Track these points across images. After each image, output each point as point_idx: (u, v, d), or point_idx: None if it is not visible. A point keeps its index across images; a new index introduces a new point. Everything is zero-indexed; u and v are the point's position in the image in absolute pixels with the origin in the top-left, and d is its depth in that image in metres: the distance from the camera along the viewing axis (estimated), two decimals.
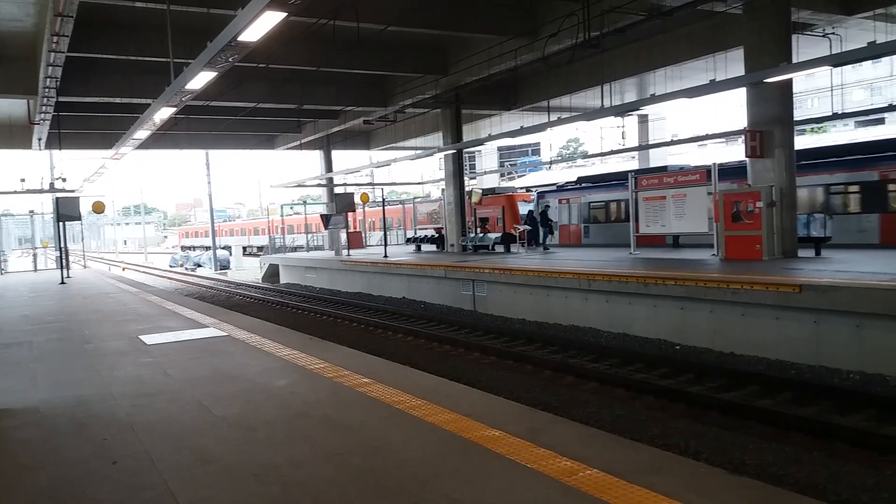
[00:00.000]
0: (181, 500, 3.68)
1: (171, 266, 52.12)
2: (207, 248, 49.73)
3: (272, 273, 33.97)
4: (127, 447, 4.62)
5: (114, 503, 3.71)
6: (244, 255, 52.29)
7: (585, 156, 46.37)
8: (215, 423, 5.12)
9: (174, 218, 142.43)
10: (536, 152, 71.99)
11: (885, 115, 35.76)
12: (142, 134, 18.41)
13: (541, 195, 29.45)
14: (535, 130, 20.79)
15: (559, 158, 57.22)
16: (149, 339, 9.32)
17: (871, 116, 35.11)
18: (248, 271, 41.57)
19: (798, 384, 9.06)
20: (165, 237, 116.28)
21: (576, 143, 77.98)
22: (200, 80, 12.03)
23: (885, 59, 36.56)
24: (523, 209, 29.80)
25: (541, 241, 24.15)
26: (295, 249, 40.95)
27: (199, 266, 49.02)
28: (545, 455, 4.04)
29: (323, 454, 4.29)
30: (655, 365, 10.77)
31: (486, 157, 58.90)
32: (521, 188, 37.79)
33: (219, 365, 7.28)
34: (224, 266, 45.38)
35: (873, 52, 12.66)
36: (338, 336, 14.70)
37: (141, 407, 5.68)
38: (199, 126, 28.93)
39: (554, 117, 23.08)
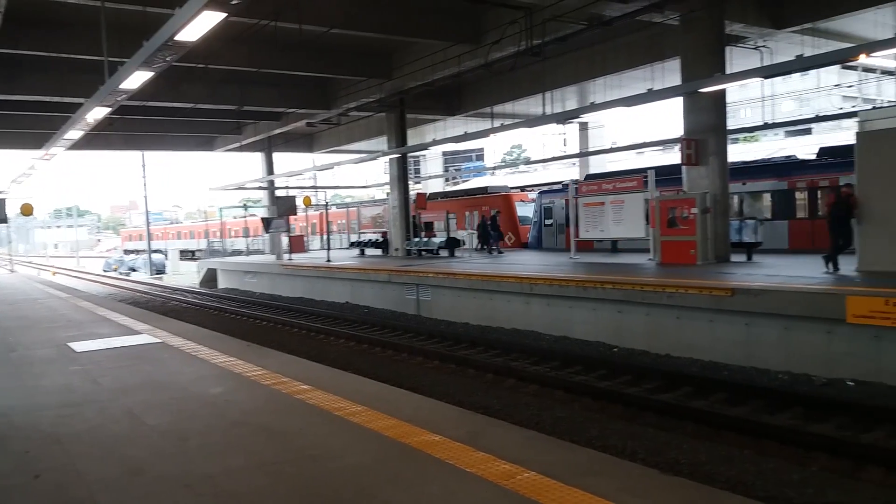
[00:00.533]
0: None
1: (104, 270, 50.33)
2: (156, 252, 48.16)
3: (210, 278, 33.18)
4: (51, 460, 4.43)
5: None
6: (181, 258, 50.90)
7: (528, 162, 47.00)
8: (147, 432, 4.96)
9: (108, 221, 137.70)
10: (481, 157, 72.60)
11: (812, 125, 37.36)
12: (74, 134, 17.77)
13: (543, 194, 27.54)
14: (478, 136, 20.96)
15: (503, 164, 57.75)
16: (78, 346, 8.97)
17: (799, 127, 36.63)
18: (186, 276, 40.51)
19: (730, 385, 9.36)
20: (99, 240, 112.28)
21: (519, 149, 78.94)
22: (136, 79, 11.69)
23: (813, 72, 38.20)
24: (522, 210, 29.17)
25: (491, 245, 24.35)
26: (234, 253, 40.13)
27: (134, 270, 47.53)
28: (484, 459, 4.06)
29: (258, 463, 4.20)
30: (594, 367, 10.96)
31: (431, 162, 59.09)
32: (515, 187, 35.79)
33: (152, 373, 7.05)
34: (160, 270, 44.11)
35: (801, 64, 13.23)
36: (277, 342, 14.45)
37: (67, 417, 5.45)
38: (135, 126, 28.11)
39: (497, 123, 23.35)
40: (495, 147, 71.98)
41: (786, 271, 12.50)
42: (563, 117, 20.28)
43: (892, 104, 21.88)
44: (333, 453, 4.31)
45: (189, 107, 23.36)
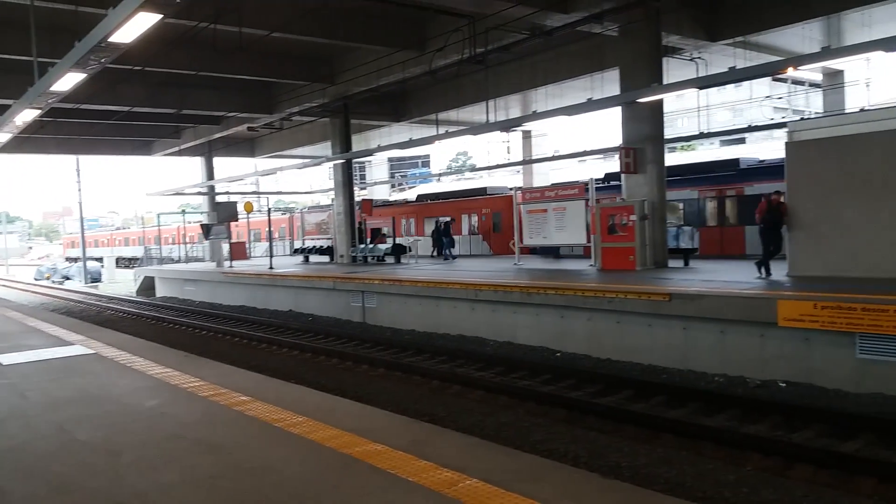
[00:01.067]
0: None
1: (36, 279, 48.30)
2: (99, 260, 46.28)
3: (148, 286, 32.22)
4: None
5: None
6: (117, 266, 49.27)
7: (474, 169, 47.34)
8: (77, 448, 4.76)
9: (40, 227, 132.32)
10: (426, 164, 72.73)
11: (746, 135, 38.73)
12: (1, 137, 17.01)
13: None
14: (423, 143, 21.00)
15: (449, 171, 58.05)
16: (5, 358, 8.56)
17: (733, 136, 37.93)
18: (122, 284, 39.24)
19: (669, 388, 9.59)
20: (30, 248, 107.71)
21: (465, 156, 79.42)
22: (68, 81, 11.28)
23: (746, 84, 39.62)
24: None
25: (443, 251, 24.45)
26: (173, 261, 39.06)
27: (68, 279, 45.78)
28: (427, 467, 4.04)
29: (194, 478, 4.07)
30: (538, 372, 11.07)
31: (377, 168, 58.87)
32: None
33: (84, 386, 6.78)
34: (95, 279, 42.60)
35: (733, 76, 13.73)
36: (217, 352, 14.11)
37: None
38: (68, 130, 27.14)
39: (442, 130, 23.43)
40: (441, 154, 72.21)
41: (721, 276, 12.90)
42: (507, 125, 20.52)
43: (820, 116, 22.88)
44: (272, 466, 4.22)
45: (126, 110, 22.68)
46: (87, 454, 4.63)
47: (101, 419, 5.49)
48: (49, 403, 6.09)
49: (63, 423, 5.43)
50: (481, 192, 28.89)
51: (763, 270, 12.29)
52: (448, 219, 25.95)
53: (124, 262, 53.97)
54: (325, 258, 27.08)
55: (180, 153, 32.30)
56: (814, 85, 31.06)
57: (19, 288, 39.79)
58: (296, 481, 3.95)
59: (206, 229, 27.58)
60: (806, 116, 31.37)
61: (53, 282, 45.30)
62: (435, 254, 25.63)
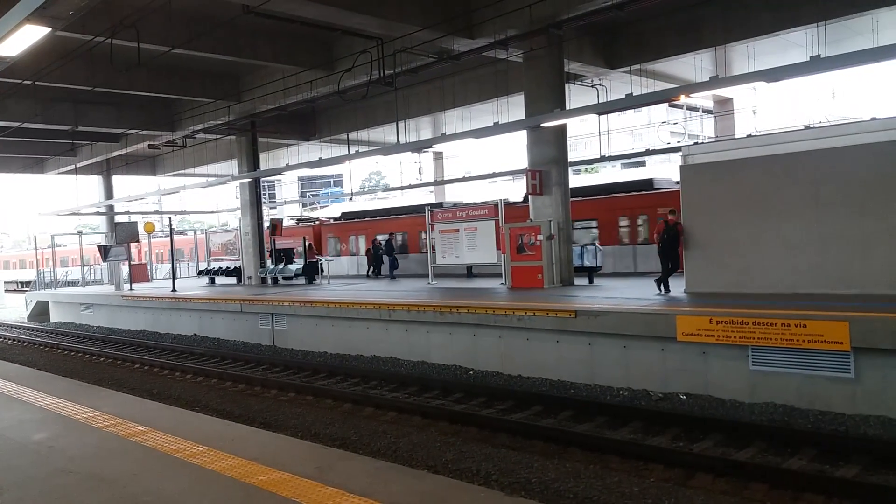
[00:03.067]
0: None
1: None
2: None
3: (41, 311, 30.28)
4: None
5: None
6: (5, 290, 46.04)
7: (387, 188, 47.30)
8: None
9: None
10: (339, 183, 72.03)
11: (645, 158, 40.53)
12: None
13: None
14: (334, 162, 20.82)
15: (362, 190, 57.75)
16: None
17: (633, 159, 39.63)
18: (12, 309, 36.71)
19: (576, 403, 9.83)
20: None
21: (378, 176, 79.24)
22: None
23: (644, 109, 41.52)
24: None
25: (387, 270, 24.13)
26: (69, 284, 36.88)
27: None
28: (333, 493, 3.96)
29: None
30: (450, 391, 11.12)
31: (287, 187, 57.93)
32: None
33: None
34: None
35: (630, 102, 14.38)
36: (116, 380, 13.42)
37: None
38: None
39: (354, 150, 23.35)
40: (354, 173, 71.79)
41: (623, 293, 13.39)
42: (417, 146, 20.67)
43: (712, 140, 24.27)
44: (170, 499, 4.03)
45: (15, 125, 21.35)
46: None
47: None
48: None
49: None
50: (646, 185, 22.11)
51: (662, 287, 12.85)
52: (386, 237, 25.61)
53: (18, 286, 50.49)
54: (233, 279, 26.29)
55: (77, 171, 30.70)
56: (706, 111, 32.96)
57: None
58: None
59: (105, 251, 26.24)
60: (699, 141, 33.20)
61: None
62: (370, 273, 25.26)
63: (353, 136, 25.26)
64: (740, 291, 11.75)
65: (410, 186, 35.06)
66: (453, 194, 31.28)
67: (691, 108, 36.84)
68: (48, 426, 5.93)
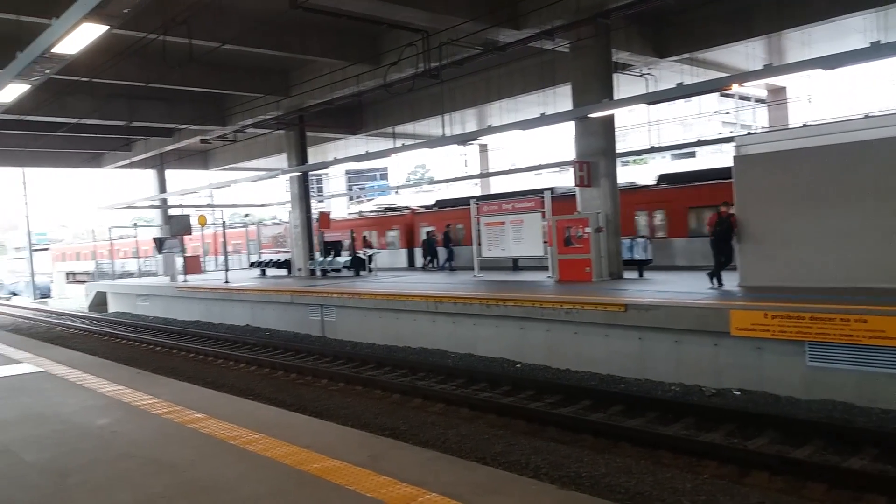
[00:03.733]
0: None
1: None
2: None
3: (100, 301, 31.34)
4: None
5: None
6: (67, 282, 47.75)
7: (432, 181, 47.41)
8: (23, 470, 4.60)
9: None
10: (384, 177, 72.56)
11: (696, 149, 39.73)
12: None
13: None
14: (380, 156, 20.96)
15: (407, 183, 58.06)
16: None
17: (683, 150, 38.85)
18: (73, 300, 38.09)
19: (626, 397, 9.72)
20: None
21: (423, 169, 79.51)
22: (10, 92, 10.97)
23: (694, 99, 40.64)
24: None
25: (442, 262, 24.10)
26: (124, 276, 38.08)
27: (15, 294, 44.26)
28: (385, 482, 4.00)
29: (146, 498, 3.97)
30: (498, 383, 11.11)
31: (334, 181, 58.53)
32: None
33: (31, 405, 6.56)
34: (44, 294, 41.26)
35: (681, 92, 14.06)
36: (171, 368, 13.80)
37: None
38: (12, 142, 26.32)
39: (399, 143, 23.43)
40: (399, 166, 72.18)
41: (674, 287, 13.15)
42: (463, 139, 20.63)
43: (766, 130, 23.61)
44: (227, 484, 4.14)
45: (74, 121, 22.08)
46: (35, 476, 4.48)
47: (49, 439, 5.32)
48: None
49: (9, 444, 5.25)
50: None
51: (715, 281, 12.58)
52: (449, 224, 25.56)
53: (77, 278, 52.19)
54: (283, 271, 26.74)
55: (131, 166, 31.58)
56: (759, 100, 32.09)
57: None
58: (252, 499, 3.87)
59: (160, 243, 26.98)
60: (752, 131, 32.34)
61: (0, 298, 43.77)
62: (427, 264, 25.18)
63: (399, 129, 25.36)
64: (796, 285, 11.41)
65: (455, 179, 35.08)
66: (498, 188, 31.11)
67: (743, 98, 35.92)
68: (110, 412, 6.14)
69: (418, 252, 25.40)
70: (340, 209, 53.33)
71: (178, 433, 5.34)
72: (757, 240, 12.15)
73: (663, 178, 20.71)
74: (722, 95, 35.39)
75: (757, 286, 11.94)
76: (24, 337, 14.55)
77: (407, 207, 31.36)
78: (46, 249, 69.17)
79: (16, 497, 4.09)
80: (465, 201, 23.12)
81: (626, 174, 24.73)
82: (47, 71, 9.84)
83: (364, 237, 28.28)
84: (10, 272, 64.67)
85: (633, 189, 21.15)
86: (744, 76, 14.24)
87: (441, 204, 29.49)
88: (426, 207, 29.96)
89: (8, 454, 4.97)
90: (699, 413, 8.80)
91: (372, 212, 34.88)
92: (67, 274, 49.18)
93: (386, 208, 34.59)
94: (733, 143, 13.60)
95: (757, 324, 9.40)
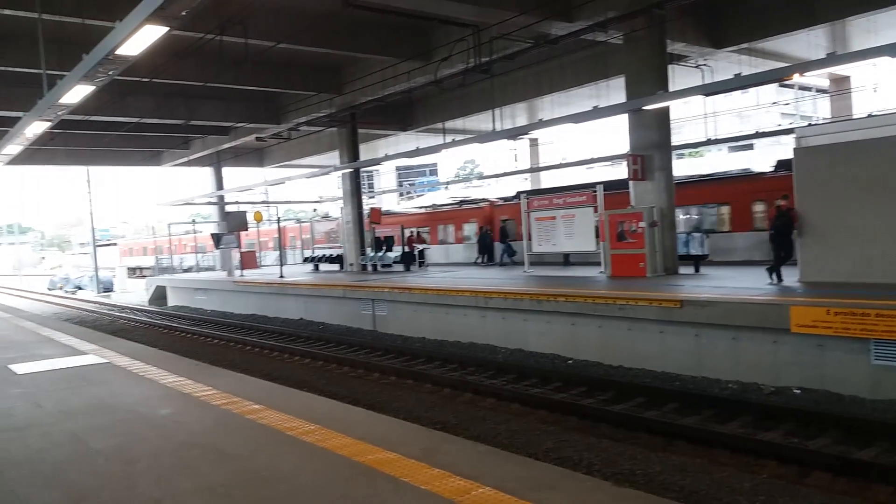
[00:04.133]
0: None
1: (49, 289, 48.68)
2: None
3: (159, 295, 32.37)
4: None
5: None
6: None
7: (481, 177, 47.32)
8: (91, 456, 4.79)
9: (53, 238, 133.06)
10: (434, 172, 72.84)
11: (753, 141, 38.64)
12: (12, 149, 17.17)
13: None
14: (430, 151, 21.03)
15: (456, 179, 58.12)
16: (20, 368, 8.63)
17: (740, 143, 37.82)
18: (134, 294, 39.44)
19: (682, 395, 9.54)
20: (43, 258, 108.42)
21: (472, 164, 79.47)
22: (76, 93, 11.37)
23: (752, 90, 39.47)
24: None
25: (499, 257, 24.11)
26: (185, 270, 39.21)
27: (80, 288, 46.09)
28: (439, 475, 4.03)
29: (207, 486, 4.09)
30: (550, 379, 11.04)
31: (385, 177, 59.09)
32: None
33: (98, 394, 6.83)
34: (107, 288, 42.87)
35: (739, 83, 13.69)
36: (229, 361, 14.17)
37: (8, 443, 5.23)
38: (78, 141, 27.36)
39: (449, 139, 23.48)
40: (448, 162, 72.33)
41: (732, 283, 12.84)
42: (513, 133, 20.53)
43: (828, 121, 22.79)
44: (285, 474, 4.23)
45: (135, 121, 22.84)
46: (102, 462, 4.65)
47: (115, 428, 5.52)
48: (64, 412, 6.14)
49: (78, 431, 5.46)
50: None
51: (774, 276, 12.22)
52: (505, 218, 25.35)
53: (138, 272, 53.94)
54: (335, 266, 27.13)
55: (189, 163, 32.50)
56: (821, 90, 30.99)
57: (32, 298, 40.07)
58: (309, 489, 3.95)
59: (217, 238, 27.70)
60: (813, 122, 31.25)
61: (66, 291, 45.60)
62: (481, 260, 25.16)
63: (449, 125, 25.41)
64: (860, 281, 11.01)
65: (505, 174, 34.95)
66: (549, 182, 30.84)
67: (804, 88, 34.75)
68: (172, 402, 6.34)
69: (497, 247, 24.93)
70: (391, 205, 53.69)
71: (236, 423, 5.48)
72: (818, 234, 11.76)
73: (782, 165, 18.74)
74: (781, 86, 34.31)
75: (818, 282, 11.56)
76: (90, 329, 15.14)
77: (485, 199, 30.89)
78: (112, 245, 71.69)
79: (86, 482, 4.27)
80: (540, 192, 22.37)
81: (682, 168, 24.19)
82: (111, 72, 10.18)
83: (417, 233, 28.41)
84: (74, 267, 67.46)
85: (751, 177, 19.82)
86: (805, 66, 13.75)
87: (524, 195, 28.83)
88: (505, 199, 29.50)
89: (77, 441, 5.19)
90: (757, 411, 8.58)
91: (446, 205, 34.80)
92: (130, 269, 50.99)
93: (461, 201, 34.41)
94: (794, 135, 13.17)
95: (818, 320, 9.11)
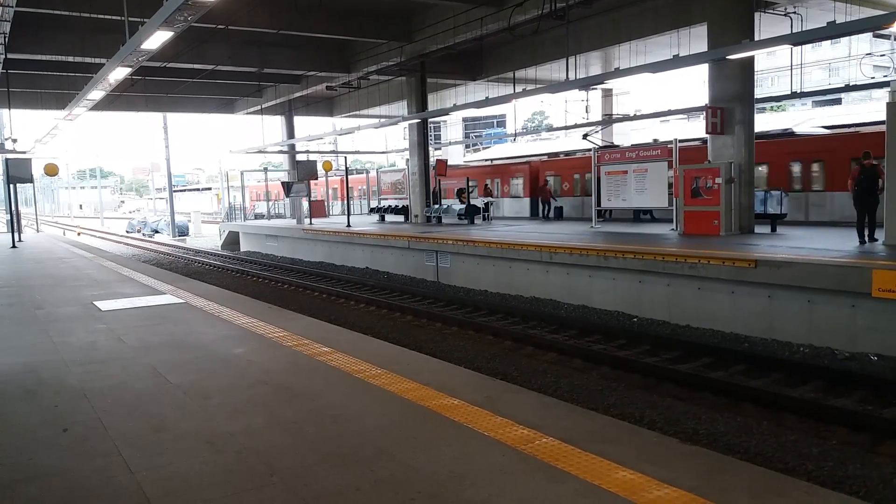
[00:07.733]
0: (133, 467, 3.62)
1: (127, 231, 51.03)
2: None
3: (232, 241, 33.47)
4: (78, 414, 4.53)
5: (63, 470, 3.63)
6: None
7: (550, 129, 46.38)
8: (170, 390, 5.04)
9: (131, 182, 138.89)
10: (502, 124, 71.86)
11: (842, 95, 36.50)
12: (95, 95, 17.81)
13: None
14: (500, 101, 20.69)
15: (524, 131, 57.19)
16: (103, 305, 9.12)
17: (828, 97, 35.80)
18: (208, 238, 40.90)
19: (750, 357, 9.31)
20: (122, 202, 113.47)
21: (541, 116, 77.99)
22: (156, 39, 11.64)
23: (844, 40, 37.11)
24: None
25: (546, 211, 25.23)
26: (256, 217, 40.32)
27: (157, 232, 48.08)
28: (502, 423, 4.08)
29: (279, 422, 4.26)
30: (613, 336, 10.94)
31: (452, 128, 58.72)
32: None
33: (175, 332, 7.16)
34: (182, 232, 44.58)
35: (831, 31, 12.82)
36: (298, 305, 14.60)
37: (93, 374, 5.56)
38: (155, 88, 28.11)
39: (519, 89, 23.02)
40: (517, 113, 71.21)
41: (810, 243, 12.32)
42: (586, 83, 19.91)
43: None
44: (354, 414, 4.36)
45: (209, 69, 23.27)
46: (180, 396, 4.89)
47: (191, 364, 5.79)
48: (143, 347, 6.47)
49: (157, 366, 5.75)
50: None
51: (866, 237, 11.63)
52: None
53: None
54: (400, 217, 27.37)
55: (262, 112, 33.03)
56: None
57: (112, 239, 42.08)
58: (376, 430, 4.06)
59: (287, 187, 28.28)
60: None
61: (144, 235, 47.66)
62: (546, 213, 25.83)
63: (520, 74, 24.86)
64: None
65: (574, 126, 34.12)
66: (622, 135, 29.94)
67: None
68: (245, 342, 6.59)
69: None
70: (457, 157, 53.46)
71: (307, 364, 5.66)
72: None
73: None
74: (875, 36, 32.01)
75: None
76: (166, 271, 15.79)
77: (531, 156, 31.25)
78: (196, 190, 73.90)
79: (164, 413, 4.51)
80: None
81: (761, 122, 23.05)
82: (189, 18, 10.36)
83: (485, 186, 28.33)
84: (151, 211, 70.26)
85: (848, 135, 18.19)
86: None
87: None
88: (550, 156, 29.50)
89: (156, 375, 5.47)
90: (830, 377, 8.30)
91: (500, 159, 34.77)
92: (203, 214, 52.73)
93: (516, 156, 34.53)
94: (887, 89, 12.33)
95: None
